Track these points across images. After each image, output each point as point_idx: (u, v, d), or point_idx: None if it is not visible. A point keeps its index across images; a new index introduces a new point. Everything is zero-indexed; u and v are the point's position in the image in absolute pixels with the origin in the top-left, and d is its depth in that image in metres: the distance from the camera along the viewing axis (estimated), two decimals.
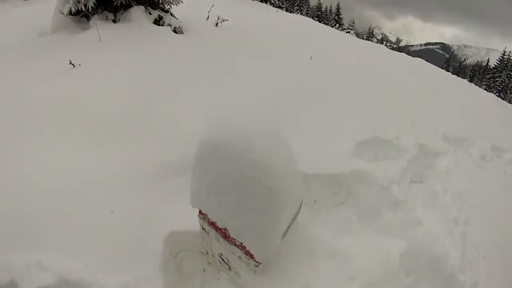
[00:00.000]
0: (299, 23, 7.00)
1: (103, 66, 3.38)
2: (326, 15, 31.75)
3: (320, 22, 17.49)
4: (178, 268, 2.27)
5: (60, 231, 2.06)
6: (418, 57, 8.56)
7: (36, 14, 4.73)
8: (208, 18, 5.51)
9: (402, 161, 3.18)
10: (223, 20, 5.29)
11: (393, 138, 3.45)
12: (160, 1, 4.48)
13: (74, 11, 3.79)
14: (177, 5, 4.64)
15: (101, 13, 4.23)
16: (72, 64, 3.16)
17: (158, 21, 4.53)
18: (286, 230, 1.89)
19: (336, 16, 29.78)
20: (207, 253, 2.21)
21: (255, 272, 1.90)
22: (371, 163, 3.11)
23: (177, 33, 4.46)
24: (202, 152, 1.53)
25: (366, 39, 19.36)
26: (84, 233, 2.08)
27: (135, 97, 3.16)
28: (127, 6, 4.26)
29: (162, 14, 4.54)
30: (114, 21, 4.34)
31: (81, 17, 4.19)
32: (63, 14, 3.87)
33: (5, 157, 2.34)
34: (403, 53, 8.06)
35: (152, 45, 4.06)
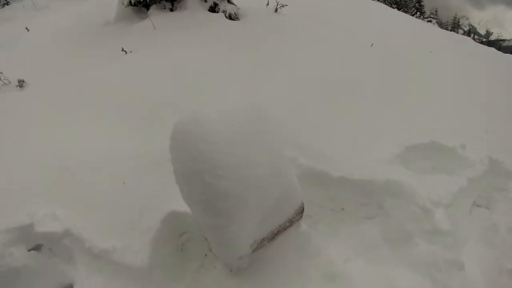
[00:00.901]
0: (369, 9, 6.21)
1: (152, 53, 3.61)
2: (405, 2, 28.25)
3: (399, 9, 15.45)
4: (182, 247, 2.30)
5: (76, 193, 2.34)
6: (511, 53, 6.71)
7: (107, 6, 5.31)
8: (268, 4, 5.36)
9: (461, 178, 2.54)
10: (282, 6, 5.07)
11: (458, 147, 2.78)
12: None
13: (134, 2, 4.12)
14: None
15: (159, 2, 4.50)
16: (124, 51, 3.46)
17: (213, 8, 4.62)
18: (265, 239, 1.70)
19: (417, 3, 26.22)
20: (206, 239, 2.19)
21: (231, 271, 1.78)
22: (416, 175, 2.58)
23: (232, 19, 4.47)
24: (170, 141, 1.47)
25: (450, 30, 16.43)
26: (95, 198, 2.32)
27: (176, 83, 3.27)
28: None
29: (218, 1, 4.61)
30: (171, 9, 4.56)
31: (141, 7, 4.52)
32: (124, 5, 4.24)
33: (48, 125, 2.75)
34: (492, 48, 6.43)
35: (202, 31, 4.16)
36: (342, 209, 2.60)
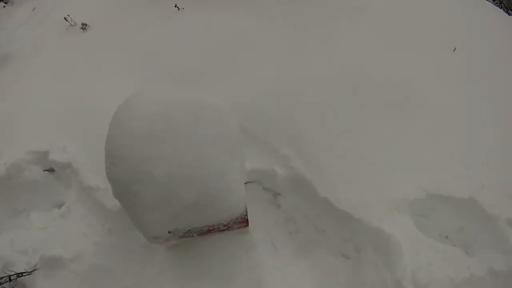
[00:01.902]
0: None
1: (202, 11, 3.63)
2: None
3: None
4: None
5: (89, 133, 2.71)
6: None
7: None
8: None
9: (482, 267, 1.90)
10: None
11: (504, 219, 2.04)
12: None
13: None
14: None
15: None
16: (177, 7, 3.61)
17: None
18: (191, 231, 1.76)
19: None
20: None
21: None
22: (420, 236, 2.07)
23: None
24: None
25: None
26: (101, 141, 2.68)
27: (212, 50, 3.29)
28: None
29: None
30: None
31: None
32: None
33: (90, 69, 3.23)
34: None
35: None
36: (323, 231, 2.36)
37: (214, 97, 1.69)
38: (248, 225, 1.97)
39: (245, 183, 2.66)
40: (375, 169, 2.33)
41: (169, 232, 1.80)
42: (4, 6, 4.91)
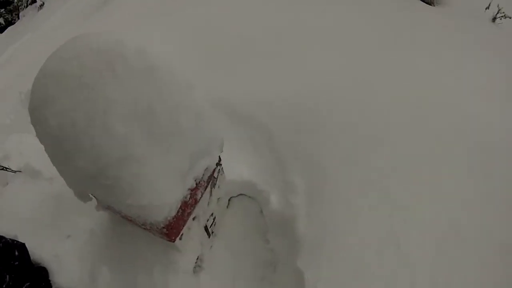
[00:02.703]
0: None
1: None
2: None
3: None
4: None
5: None
6: None
7: None
8: (488, 7, 3.46)
9: None
10: (505, 16, 3.17)
11: None
12: None
13: None
14: None
15: None
16: None
17: None
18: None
19: None
20: None
21: None
22: None
23: (426, 2, 3.29)
24: None
25: None
26: None
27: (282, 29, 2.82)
28: None
29: None
30: None
31: None
32: None
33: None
34: None
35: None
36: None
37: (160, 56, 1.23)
38: (174, 240, 1.48)
39: (232, 197, 2.19)
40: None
41: (93, 196, 1.44)
42: None
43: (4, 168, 1.96)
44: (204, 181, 1.56)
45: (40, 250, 1.60)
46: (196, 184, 1.45)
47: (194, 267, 1.83)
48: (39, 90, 1.16)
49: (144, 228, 1.48)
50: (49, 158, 1.26)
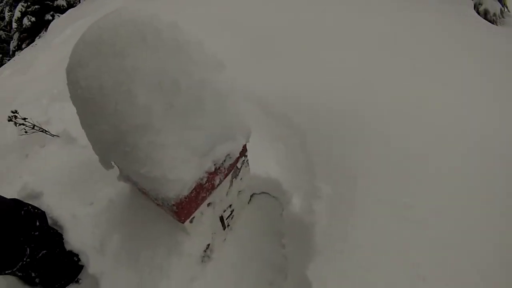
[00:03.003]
0: None
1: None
2: None
3: None
4: None
5: None
6: None
7: None
8: None
9: None
10: None
11: None
12: None
13: None
14: None
15: None
16: None
17: None
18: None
19: None
20: None
21: None
22: None
23: (488, 20, 2.96)
24: None
25: None
26: None
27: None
28: None
29: None
30: None
31: None
32: None
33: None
34: None
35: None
36: None
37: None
38: (184, 221, 1.43)
39: (255, 194, 2.12)
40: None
41: (115, 165, 1.46)
42: None
43: (44, 131, 2.09)
44: (224, 168, 1.50)
45: (60, 209, 1.66)
46: (215, 168, 1.40)
47: (203, 256, 1.78)
48: (76, 54, 1.19)
49: (157, 204, 1.46)
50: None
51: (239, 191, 1.88)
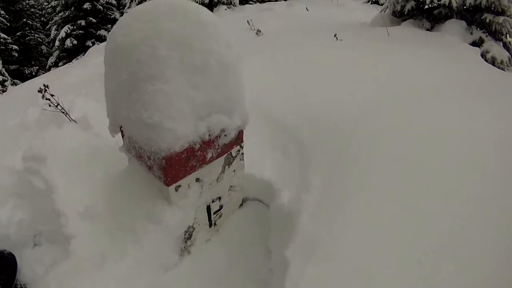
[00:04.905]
0: None
1: (356, 45, 3.51)
2: None
3: None
4: None
5: None
6: None
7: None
8: None
9: None
10: None
11: None
12: (500, 29, 3.63)
13: (391, 11, 4.50)
14: None
15: (419, 20, 4.25)
16: (336, 38, 3.87)
17: (477, 44, 3.70)
18: None
19: None
20: None
21: None
22: None
23: (496, 67, 3.20)
24: None
25: None
26: None
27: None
28: (447, 18, 3.99)
29: (488, 39, 3.73)
30: (428, 30, 4.15)
31: (398, 17, 4.61)
32: (380, 12, 4.64)
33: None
34: None
35: (430, 52, 3.26)
36: None
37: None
38: (170, 183, 1.49)
39: (247, 200, 2.15)
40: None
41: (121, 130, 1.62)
42: None
43: (64, 112, 2.31)
44: (218, 145, 1.61)
45: (57, 173, 1.75)
46: (209, 138, 1.51)
47: (182, 249, 1.75)
48: (121, 20, 1.48)
49: (149, 168, 1.54)
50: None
51: (231, 186, 1.92)
